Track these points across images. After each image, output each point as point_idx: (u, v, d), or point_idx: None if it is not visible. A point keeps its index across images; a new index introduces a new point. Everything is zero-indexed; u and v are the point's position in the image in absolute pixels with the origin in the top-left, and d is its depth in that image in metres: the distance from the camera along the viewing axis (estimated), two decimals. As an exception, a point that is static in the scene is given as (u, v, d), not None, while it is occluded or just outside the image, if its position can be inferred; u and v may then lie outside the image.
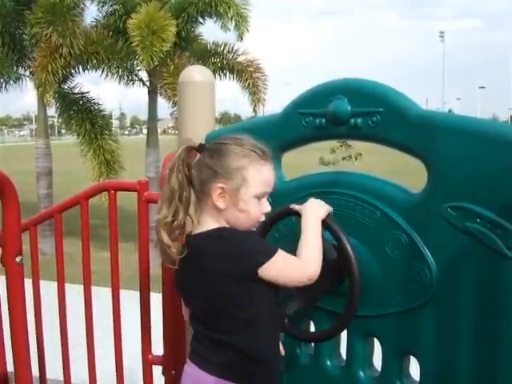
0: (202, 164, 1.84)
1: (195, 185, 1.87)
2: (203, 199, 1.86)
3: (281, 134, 2.23)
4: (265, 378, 1.89)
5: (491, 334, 1.82)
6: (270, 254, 1.79)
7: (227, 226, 1.87)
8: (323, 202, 1.99)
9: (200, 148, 1.89)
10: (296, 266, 1.83)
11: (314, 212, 1.94)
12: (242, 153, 1.83)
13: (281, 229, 2.23)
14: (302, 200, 2.15)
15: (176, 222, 1.84)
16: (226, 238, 1.83)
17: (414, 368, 2.04)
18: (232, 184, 1.82)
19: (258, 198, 1.86)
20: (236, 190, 1.82)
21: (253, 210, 1.86)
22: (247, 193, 1.84)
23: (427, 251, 1.92)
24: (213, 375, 1.84)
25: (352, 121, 2.03)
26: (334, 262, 1.99)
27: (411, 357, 2.05)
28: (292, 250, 1.87)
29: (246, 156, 1.84)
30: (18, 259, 2.42)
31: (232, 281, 1.79)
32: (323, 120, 2.10)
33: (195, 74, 2.47)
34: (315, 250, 1.86)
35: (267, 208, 1.90)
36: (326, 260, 1.94)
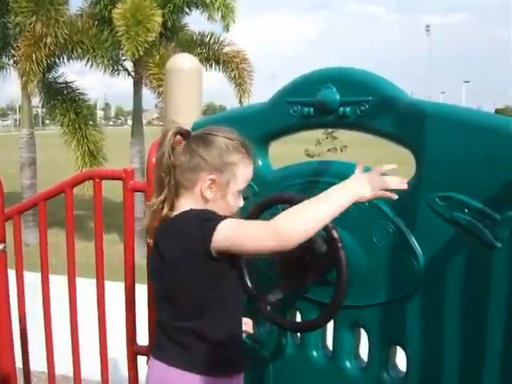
0: (193, 152, 1.81)
1: (180, 171, 1.83)
2: (186, 186, 1.84)
3: (268, 123, 2.21)
4: (228, 364, 1.87)
5: (478, 325, 1.82)
6: (216, 222, 1.70)
7: None
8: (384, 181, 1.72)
9: (187, 134, 1.87)
10: (256, 226, 1.70)
11: (360, 186, 1.68)
12: (234, 149, 1.84)
13: (266, 218, 2.22)
14: (289, 189, 2.14)
15: (166, 208, 1.84)
16: (182, 217, 1.81)
17: (401, 358, 2.04)
18: (223, 177, 1.83)
19: (239, 192, 1.88)
20: (226, 183, 1.84)
21: (235, 203, 1.88)
22: (234, 187, 1.86)
23: (415, 241, 1.92)
24: (178, 369, 1.81)
25: (340, 110, 2.01)
26: (322, 252, 1.99)
27: (398, 347, 2.05)
28: None
29: (238, 152, 1.85)
30: (0, 247, 2.39)
31: (189, 260, 1.75)
32: (311, 109, 2.08)
33: (182, 61, 2.45)
34: (309, 217, 1.63)
35: (242, 203, 1.91)
36: (314, 251, 1.95)
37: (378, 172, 1.74)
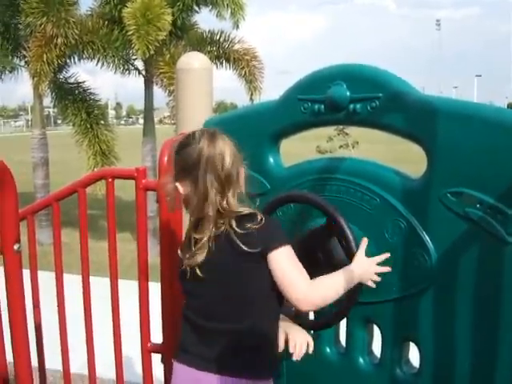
0: (235, 151, 1.82)
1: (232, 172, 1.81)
2: (232, 186, 1.82)
3: (279, 120, 2.21)
4: (263, 366, 1.88)
5: (491, 320, 1.82)
6: (284, 242, 1.83)
7: None
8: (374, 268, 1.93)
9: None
10: (298, 278, 1.83)
11: (363, 273, 1.92)
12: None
13: (279, 216, 2.22)
14: (301, 187, 2.14)
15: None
16: (257, 219, 1.82)
17: (414, 354, 2.04)
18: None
19: None
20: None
21: None
22: None
23: (427, 237, 1.92)
24: (211, 373, 1.83)
25: (351, 106, 2.01)
26: (334, 248, 1.99)
27: (411, 343, 2.05)
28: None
29: None
30: (15, 247, 2.40)
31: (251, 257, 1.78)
32: (322, 106, 2.08)
33: (193, 60, 2.46)
34: (333, 293, 1.87)
35: None
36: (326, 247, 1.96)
37: (375, 261, 1.92)
